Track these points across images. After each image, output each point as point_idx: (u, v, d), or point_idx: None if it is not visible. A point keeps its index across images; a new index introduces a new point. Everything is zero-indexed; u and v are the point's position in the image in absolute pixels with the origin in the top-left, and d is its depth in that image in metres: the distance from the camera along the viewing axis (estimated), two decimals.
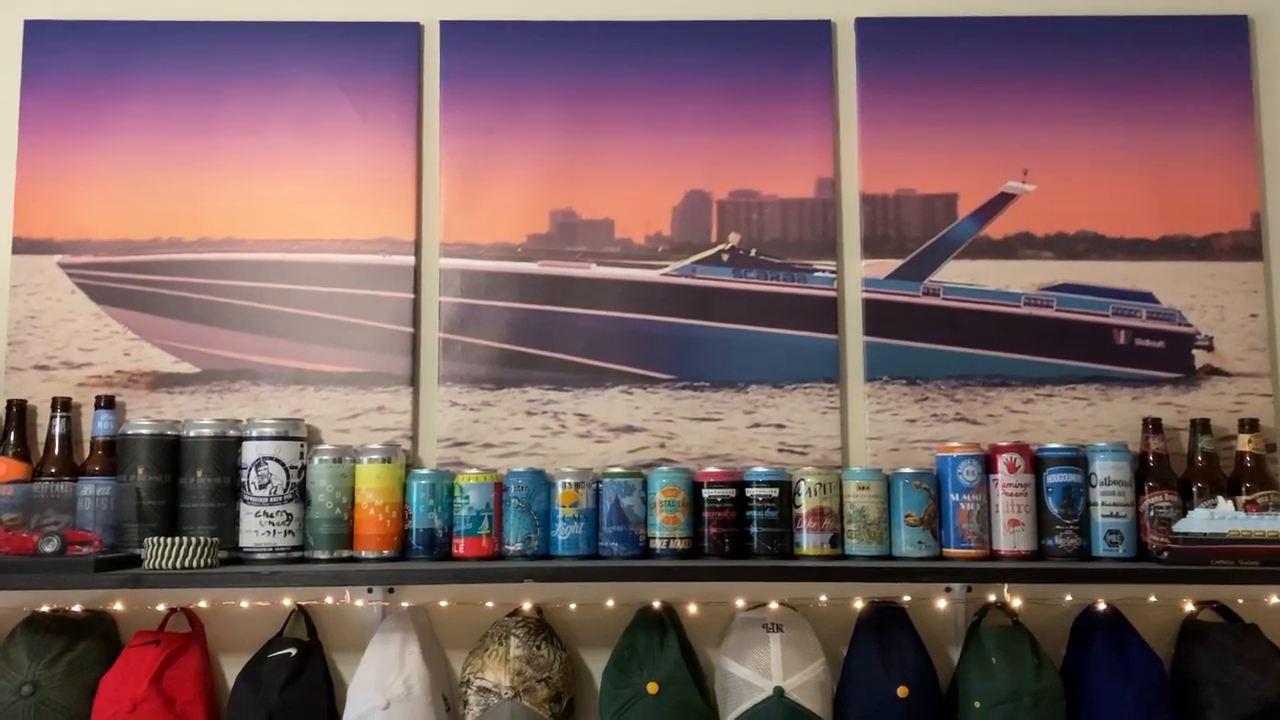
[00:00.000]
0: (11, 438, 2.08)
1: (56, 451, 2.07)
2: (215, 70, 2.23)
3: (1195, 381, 2.16)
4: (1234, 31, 2.23)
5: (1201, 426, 2.06)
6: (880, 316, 2.18)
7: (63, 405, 2.09)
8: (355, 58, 2.23)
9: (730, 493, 2.01)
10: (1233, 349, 2.17)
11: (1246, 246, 2.20)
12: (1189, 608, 2.04)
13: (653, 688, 1.92)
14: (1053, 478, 2.00)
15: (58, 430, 2.08)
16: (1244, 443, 2.05)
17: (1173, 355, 2.17)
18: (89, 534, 1.93)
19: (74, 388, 2.15)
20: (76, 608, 2.05)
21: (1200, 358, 2.17)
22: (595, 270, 2.20)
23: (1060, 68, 2.22)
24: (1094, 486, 2.01)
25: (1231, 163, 2.20)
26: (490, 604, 2.06)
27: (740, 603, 2.06)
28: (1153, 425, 2.06)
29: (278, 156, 2.22)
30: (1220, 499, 1.94)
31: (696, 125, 2.22)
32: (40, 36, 2.24)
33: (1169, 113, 2.21)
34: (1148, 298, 2.19)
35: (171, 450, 2.01)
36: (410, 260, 2.20)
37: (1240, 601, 2.04)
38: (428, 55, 2.25)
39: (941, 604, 2.05)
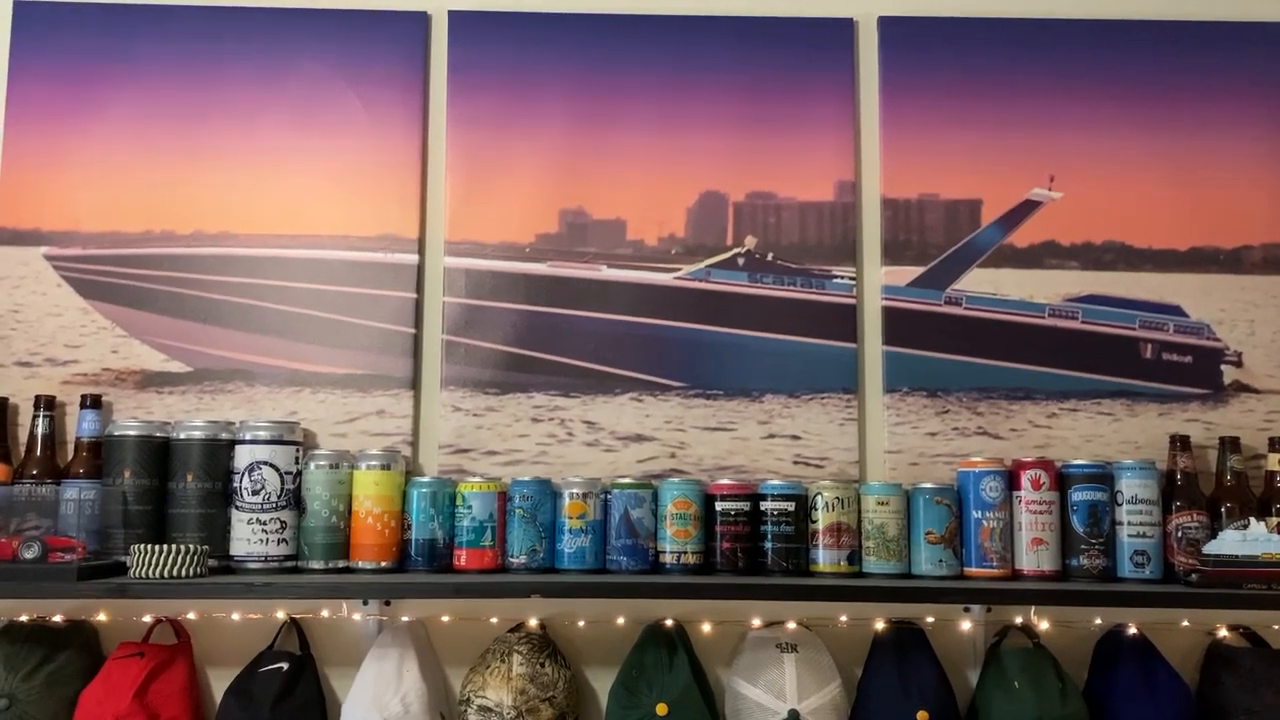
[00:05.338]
0: None
1: (39, 452, 1.98)
2: (213, 57, 2.15)
3: (1224, 398, 2.10)
4: (1266, 39, 2.17)
5: (1231, 445, 2.00)
6: (900, 325, 2.11)
7: (46, 404, 2.01)
8: (359, 46, 2.15)
9: (744, 506, 1.94)
10: (1262, 365, 2.11)
11: (1277, 260, 2.14)
12: (1222, 633, 1.97)
13: (662, 709, 1.84)
14: (1078, 495, 1.94)
15: (40, 430, 1.99)
16: (1274, 462, 1.99)
17: (1201, 371, 2.11)
18: (72, 540, 1.85)
19: (58, 386, 2.06)
20: (57, 617, 1.96)
21: (1229, 373, 2.11)
22: (606, 272, 2.12)
23: (1088, 71, 2.16)
24: (1120, 505, 1.94)
25: (1263, 173, 2.14)
26: (494, 619, 1.98)
27: (756, 622, 1.98)
28: (1181, 443, 2.00)
29: (277, 148, 2.13)
30: (1251, 520, 1.88)
31: (713, 124, 2.14)
32: (29, 19, 2.14)
33: (1199, 120, 2.15)
34: (1176, 310, 2.12)
35: (160, 453, 1.93)
36: (413, 258, 2.11)
37: (1276, 628, 1.98)
38: (435, 46, 2.17)
39: (965, 625, 1.98)
